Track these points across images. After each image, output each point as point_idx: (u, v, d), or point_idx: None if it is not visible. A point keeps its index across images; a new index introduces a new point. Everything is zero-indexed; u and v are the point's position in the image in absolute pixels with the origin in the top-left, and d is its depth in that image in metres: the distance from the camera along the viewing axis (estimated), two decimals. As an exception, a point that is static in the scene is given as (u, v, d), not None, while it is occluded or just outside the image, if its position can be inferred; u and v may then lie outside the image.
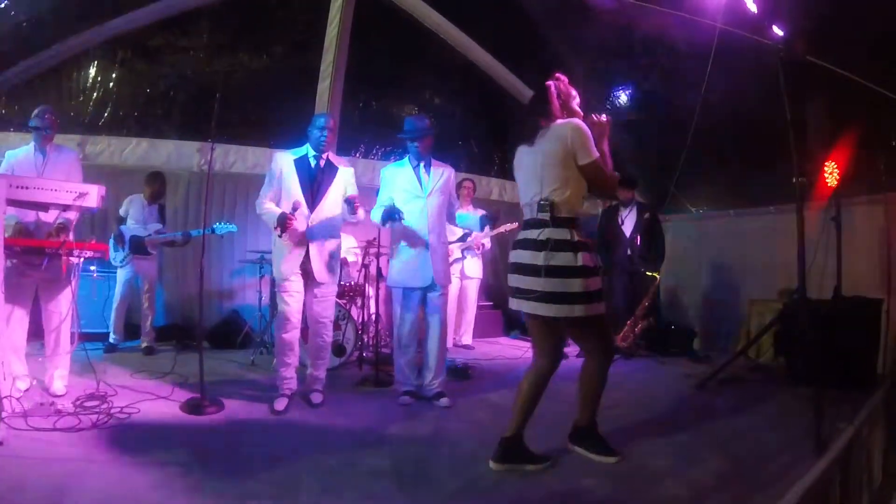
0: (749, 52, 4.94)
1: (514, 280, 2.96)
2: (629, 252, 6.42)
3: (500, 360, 5.98)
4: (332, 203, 3.97)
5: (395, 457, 3.05)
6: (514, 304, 3.00)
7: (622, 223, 6.54)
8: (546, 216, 2.82)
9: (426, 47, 7.36)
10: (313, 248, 3.88)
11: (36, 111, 4.10)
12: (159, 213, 5.87)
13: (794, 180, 3.36)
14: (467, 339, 6.91)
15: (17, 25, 5.80)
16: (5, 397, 3.13)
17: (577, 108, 2.99)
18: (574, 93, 3.01)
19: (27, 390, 3.80)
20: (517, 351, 6.43)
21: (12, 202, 3.31)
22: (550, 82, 2.95)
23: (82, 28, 6.30)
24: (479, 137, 8.34)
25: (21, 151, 4.06)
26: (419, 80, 7.94)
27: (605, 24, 5.96)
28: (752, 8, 4.49)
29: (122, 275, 5.71)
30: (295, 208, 3.82)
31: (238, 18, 6.86)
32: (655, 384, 5.03)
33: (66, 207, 3.48)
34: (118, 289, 5.71)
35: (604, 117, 2.92)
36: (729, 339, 6.61)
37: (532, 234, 2.87)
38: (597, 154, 2.80)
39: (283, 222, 3.71)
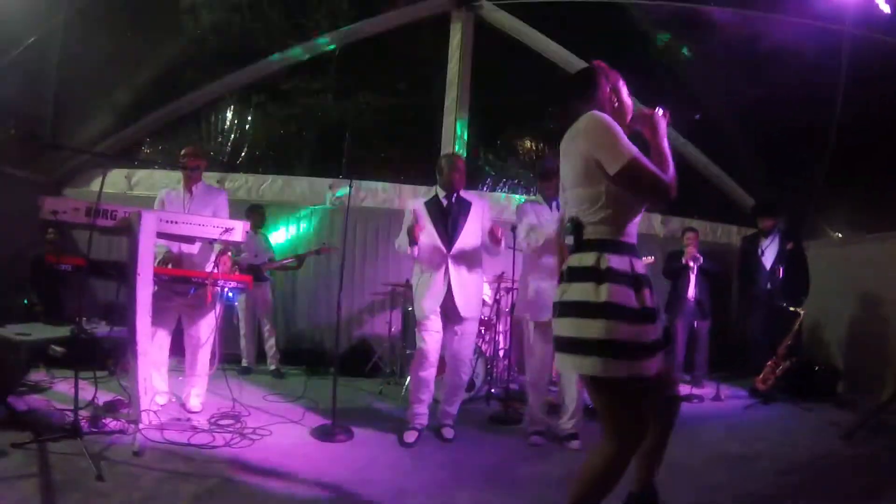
0: (886, 56, 4.52)
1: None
2: (769, 286, 5.95)
3: None
4: (469, 237, 3.93)
5: (526, 498, 2.95)
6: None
7: (762, 254, 6.08)
8: (570, 241, 2.13)
9: (547, 78, 7.33)
10: (455, 284, 3.86)
11: (182, 152, 4.41)
12: (265, 241, 6.25)
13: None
14: None
15: (159, 73, 6.42)
16: (144, 410, 3.38)
17: (628, 99, 2.27)
18: (622, 81, 2.29)
19: (165, 405, 4.06)
20: None
21: (163, 235, 3.61)
22: (599, 62, 2.30)
23: (220, 75, 6.94)
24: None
25: (173, 189, 4.40)
26: (543, 112, 7.91)
27: (729, 38, 5.69)
28: (885, 8, 4.10)
29: (242, 302, 6.06)
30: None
31: (363, 60, 7.23)
32: (798, 433, 4.56)
33: (212, 241, 3.74)
34: (242, 315, 6.09)
35: (659, 111, 2.22)
36: (876, 380, 5.87)
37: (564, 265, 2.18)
38: (631, 153, 1.98)
39: (411, 233, 3.76)
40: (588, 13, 6.64)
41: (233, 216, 3.96)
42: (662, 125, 2.19)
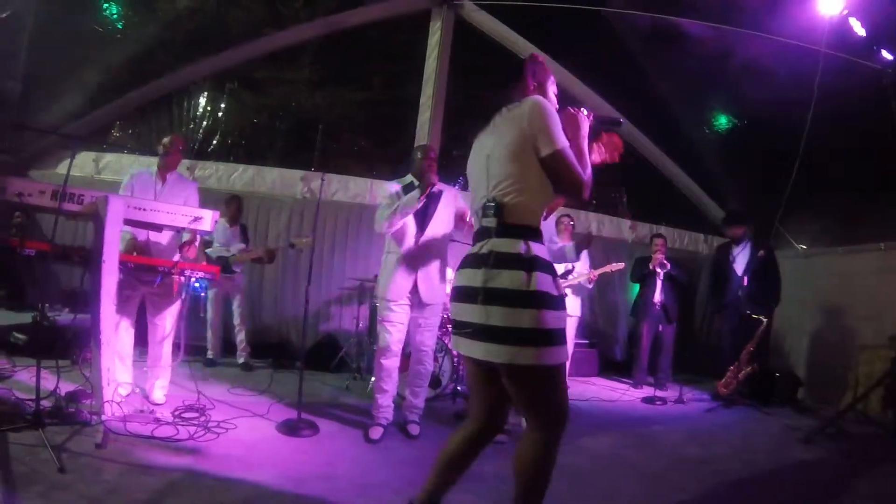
0: (856, 77, 4.67)
1: (452, 310, 2.21)
2: (739, 293, 6.09)
3: (595, 402, 5.73)
4: (440, 224, 3.95)
5: (483, 495, 2.98)
6: (453, 342, 2.27)
7: (734, 261, 6.23)
8: (491, 223, 2.07)
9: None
10: (423, 269, 3.89)
11: (165, 140, 4.32)
12: (242, 233, 6.16)
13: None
14: None
15: (130, 55, 6.30)
16: (107, 401, 3.31)
17: (554, 97, 2.30)
18: (552, 78, 2.33)
19: (128, 396, 3.97)
20: (613, 392, 6.24)
21: (130, 222, 3.54)
22: (536, 55, 2.34)
23: (193, 59, 6.81)
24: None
25: (144, 172, 4.28)
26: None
27: (704, 53, 5.80)
28: (860, 31, 4.23)
29: (211, 294, 5.99)
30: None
31: (338, 53, 7.17)
32: (758, 437, 4.70)
33: (180, 230, 3.68)
34: (210, 307, 6.01)
35: (583, 111, 2.23)
36: (836, 388, 6.08)
37: (475, 248, 2.13)
38: (564, 143, 2.03)
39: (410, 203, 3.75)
40: (568, 18, 6.69)
41: (205, 206, 3.88)
42: (585, 126, 2.22)
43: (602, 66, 7.10)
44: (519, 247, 1.99)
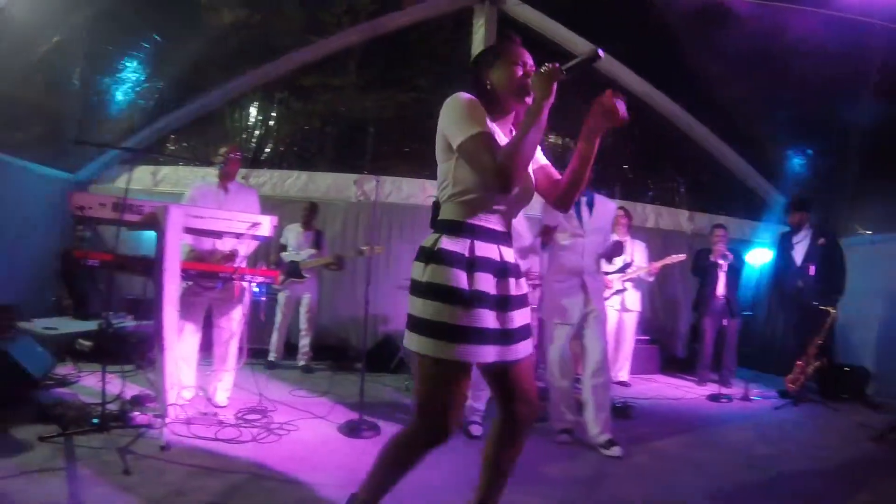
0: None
1: None
2: (800, 283, 5.80)
3: (659, 400, 5.55)
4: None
5: (552, 498, 2.91)
6: None
7: (793, 250, 5.96)
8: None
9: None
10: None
11: (222, 150, 4.45)
12: (316, 238, 6.21)
13: None
14: (624, 375, 6.39)
15: (183, 71, 6.49)
16: (171, 405, 3.39)
17: (516, 74, 2.04)
18: (518, 53, 2.08)
19: (191, 399, 4.07)
20: (677, 390, 6.05)
21: (189, 230, 3.62)
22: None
23: (241, 72, 6.99)
24: (631, 162, 8.03)
25: (205, 185, 4.42)
26: (567, 107, 7.79)
27: (756, 31, 5.56)
28: None
29: (282, 298, 6.08)
30: None
31: (383, 55, 7.21)
32: (827, 435, 4.48)
33: (239, 235, 3.74)
34: (279, 311, 6.10)
35: (548, 65, 1.93)
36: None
37: None
38: (471, 131, 1.88)
39: None
40: (612, 4, 6.56)
41: (286, 214, 3.97)
42: (546, 86, 1.90)
43: (650, 51, 6.90)
44: (430, 241, 1.98)
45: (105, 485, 2.63)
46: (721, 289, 6.15)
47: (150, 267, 3.53)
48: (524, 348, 2.03)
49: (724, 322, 6.21)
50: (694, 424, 4.59)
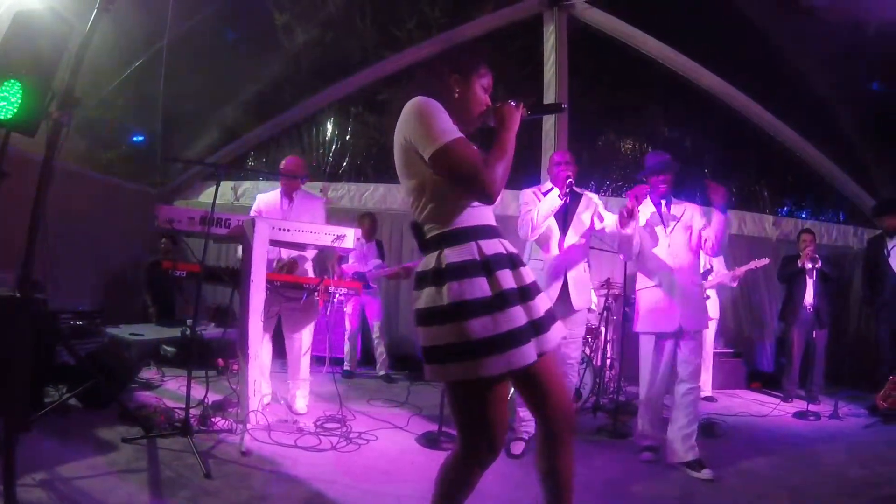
0: None
1: None
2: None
3: (745, 417, 5.24)
4: (581, 225, 3.81)
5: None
6: None
7: (888, 255, 5.57)
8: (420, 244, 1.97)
9: (647, 76, 7.09)
10: (570, 272, 3.72)
11: (284, 161, 4.55)
12: (378, 249, 6.30)
13: None
14: (707, 389, 5.88)
15: (261, 89, 6.80)
16: (252, 411, 3.48)
17: (481, 91, 2.07)
18: (484, 71, 2.08)
19: (270, 405, 4.15)
20: (762, 407, 5.68)
21: (275, 242, 3.73)
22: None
23: (317, 89, 7.22)
24: (711, 167, 7.70)
25: (269, 195, 4.49)
26: (643, 111, 7.66)
27: (838, 27, 5.28)
28: None
29: (349, 308, 6.17)
30: None
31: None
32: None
33: (324, 248, 3.82)
34: (347, 321, 6.20)
35: (511, 103, 1.99)
36: None
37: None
38: (449, 136, 1.81)
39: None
40: (687, 4, 6.37)
41: (341, 224, 4.01)
42: (514, 118, 1.96)
43: (729, 49, 6.66)
44: (432, 261, 1.84)
45: (187, 488, 2.70)
46: (809, 297, 5.83)
47: (237, 277, 3.66)
48: (555, 335, 1.92)
49: (813, 333, 5.87)
50: (781, 443, 4.35)
